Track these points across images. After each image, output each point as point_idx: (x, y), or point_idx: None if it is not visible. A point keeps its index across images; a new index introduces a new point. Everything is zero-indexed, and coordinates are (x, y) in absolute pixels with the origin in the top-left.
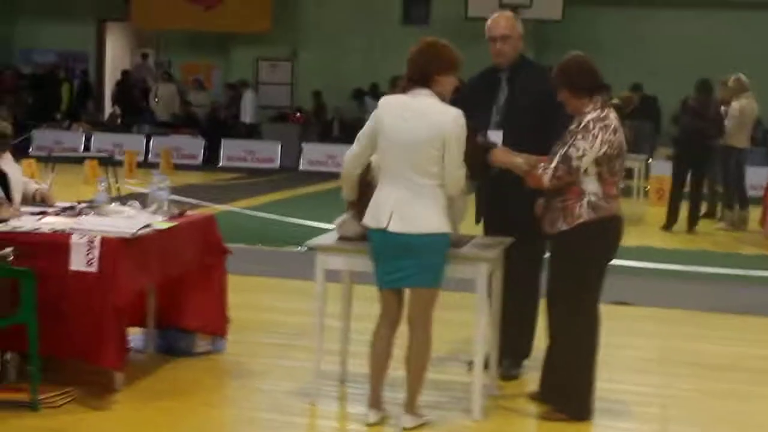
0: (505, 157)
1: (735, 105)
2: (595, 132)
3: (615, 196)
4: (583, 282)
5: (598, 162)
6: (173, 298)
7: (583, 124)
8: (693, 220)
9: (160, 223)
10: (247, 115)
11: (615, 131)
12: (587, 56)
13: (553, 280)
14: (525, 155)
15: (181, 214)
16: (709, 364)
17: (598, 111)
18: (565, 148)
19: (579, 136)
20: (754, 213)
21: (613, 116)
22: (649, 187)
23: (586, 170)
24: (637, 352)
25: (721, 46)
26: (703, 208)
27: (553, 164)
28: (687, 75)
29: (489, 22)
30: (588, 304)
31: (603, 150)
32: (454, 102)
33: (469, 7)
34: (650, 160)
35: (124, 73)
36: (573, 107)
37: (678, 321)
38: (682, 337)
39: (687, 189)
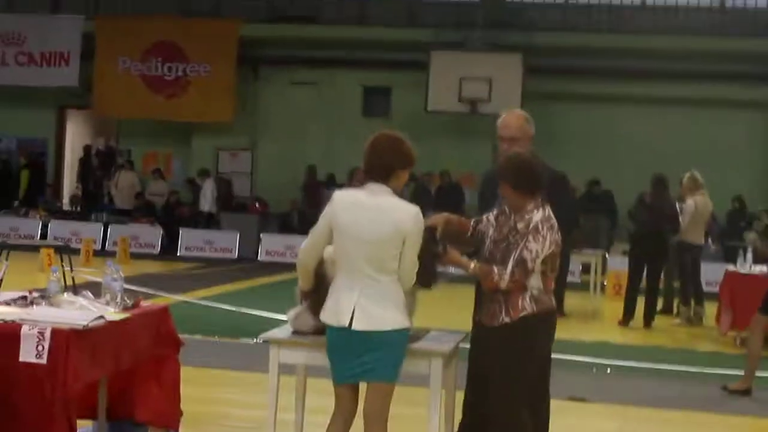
0: (458, 258)
1: (690, 202)
2: (544, 233)
3: (551, 290)
4: (522, 376)
5: (543, 261)
6: (125, 390)
7: (532, 225)
8: (649, 315)
9: (113, 314)
10: (206, 204)
11: (557, 231)
12: (532, 155)
13: (488, 375)
14: (476, 263)
15: (134, 305)
16: None
17: (542, 211)
18: (518, 251)
19: (530, 238)
20: (710, 309)
21: (552, 215)
22: (606, 281)
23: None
24: None
25: (676, 143)
26: (660, 303)
27: (509, 269)
28: (643, 170)
29: (499, 121)
30: (522, 400)
31: (551, 249)
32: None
33: (428, 101)
34: (607, 254)
35: (86, 147)
36: (513, 203)
37: (634, 418)
38: None
39: (643, 284)
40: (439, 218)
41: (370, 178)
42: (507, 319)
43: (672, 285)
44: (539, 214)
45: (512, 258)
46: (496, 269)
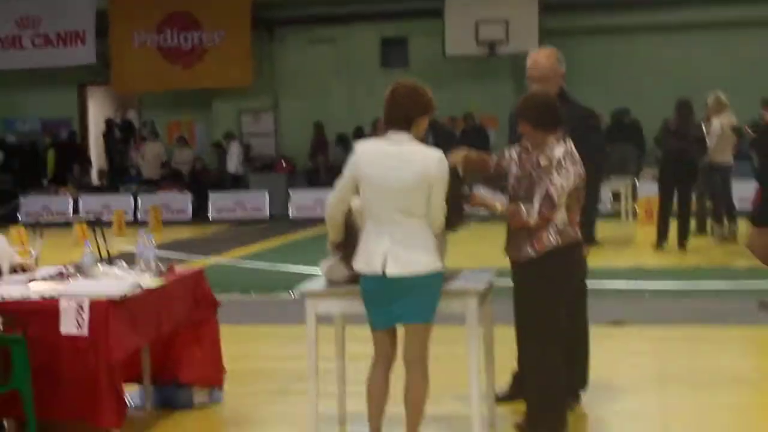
0: (485, 199)
1: (716, 123)
2: (567, 167)
3: (577, 222)
4: (551, 309)
5: (568, 194)
6: (168, 354)
7: (555, 159)
8: (683, 237)
9: (149, 281)
10: (233, 166)
11: (581, 164)
12: (549, 93)
13: (519, 308)
14: (503, 202)
15: (169, 271)
16: (708, 379)
17: (563, 145)
18: (544, 187)
19: (554, 172)
20: (743, 226)
21: (574, 149)
22: (637, 208)
23: None
24: (635, 371)
25: (700, 67)
26: (694, 225)
27: (536, 206)
28: (668, 97)
29: (528, 60)
30: (552, 331)
31: (575, 183)
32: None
33: (446, 47)
34: (637, 181)
35: (108, 122)
36: (534, 141)
37: (674, 338)
38: (679, 354)
39: (675, 208)
40: (458, 156)
41: (391, 128)
42: (533, 254)
43: (705, 206)
44: (561, 149)
45: (537, 194)
46: (523, 207)
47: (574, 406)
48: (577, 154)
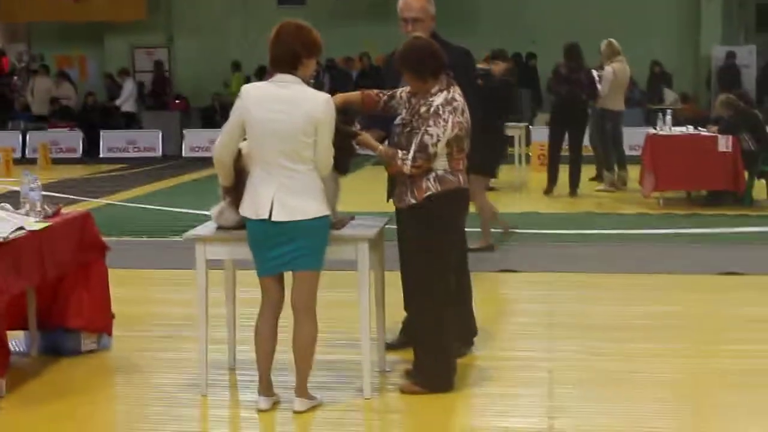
0: (369, 139)
1: (608, 68)
2: (446, 116)
3: (460, 170)
4: (434, 252)
5: (448, 143)
6: (54, 298)
7: (432, 109)
8: (574, 184)
9: (33, 224)
10: (128, 105)
11: (463, 112)
12: (430, 40)
13: (403, 254)
14: (385, 146)
15: (55, 213)
16: (595, 325)
17: (445, 93)
18: (419, 136)
19: (431, 122)
20: (634, 173)
21: (459, 96)
22: (531, 153)
23: None
24: (525, 317)
25: (593, 12)
26: (592, 171)
27: (411, 154)
28: (561, 41)
29: (401, 2)
30: (438, 276)
31: (454, 132)
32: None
33: None
34: (530, 127)
35: None
36: (418, 90)
37: (564, 285)
38: (569, 300)
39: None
40: (338, 97)
41: (278, 69)
42: (413, 200)
43: (599, 153)
44: (441, 98)
45: (414, 142)
46: (400, 153)
47: (465, 352)
48: (461, 103)
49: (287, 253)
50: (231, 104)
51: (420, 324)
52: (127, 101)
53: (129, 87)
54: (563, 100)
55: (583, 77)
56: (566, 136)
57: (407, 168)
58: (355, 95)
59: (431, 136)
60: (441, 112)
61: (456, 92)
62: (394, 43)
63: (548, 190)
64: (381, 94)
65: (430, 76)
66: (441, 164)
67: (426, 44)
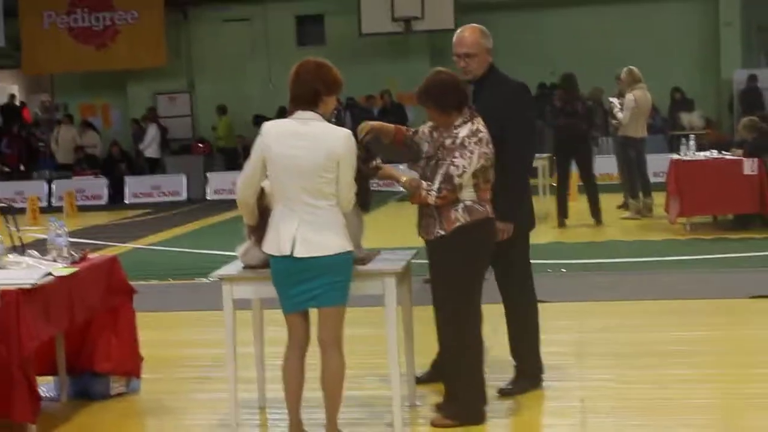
0: (391, 171)
1: (629, 96)
2: (471, 148)
3: (487, 200)
4: (463, 284)
5: (474, 174)
6: (83, 343)
7: (459, 141)
8: (595, 212)
9: (61, 269)
10: (152, 150)
11: (487, 143)
12: (452, 72)
13: (434, 286)
14: (410, 176)
15: (82, 259)
16: (626, 353)
17: (469, 124)
18: (445, 168)
19: (457, 154)
20: (659, 199)
21: (483, 128)
22: (555, 183)
23: None
24: (554, 347)
25: (613, 40)
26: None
27: (436, 185)
28: (583, 70)
29: (455, 37)
30: (468, 307)
31: (480, 163)
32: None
33: (362, 24)
34: (554, 157)
35: (9, 104)
36: (442, 123)
37: (592, 313)
38: (598, 329)
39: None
40: (366, 125)
41: (298, 107)
42: (441, 232)
43: (626, 181)
44: (466, 129)
45: (439, 174)
46: (425, 184)
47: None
48: (485, 134)
49: (311, 289)
50: (251, 145)
51: (450, 355)
52: (150, 146)
53: (152, 132)
54: (563, 132)
55: (579, 107)
56: (575, 165)
57: (432, 199)
58: (389, 126)
59: (457, 167)
60: (467, 144)
61: (480, 124)
62: (416, 79)
63: (560, 223)
64: (408, 130)
65: (454, 109)
66: (468, 195)
67: (448, 78)
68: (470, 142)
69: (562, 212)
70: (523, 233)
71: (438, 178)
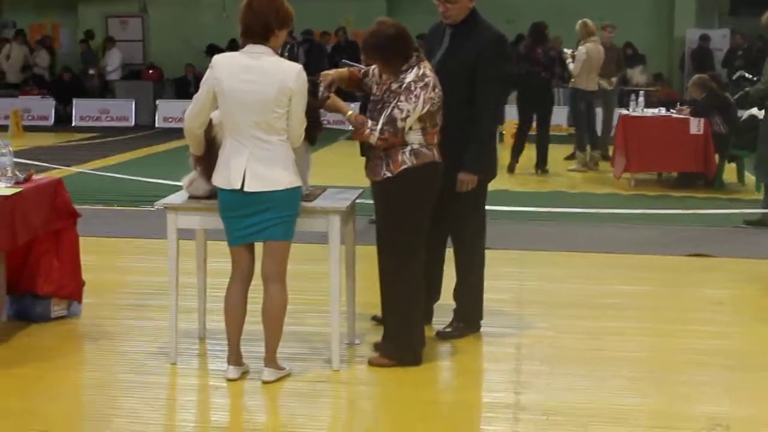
0: (337, 102)
1: (581, 48)
2: (417, 92)
3: (434, 144)
4: (409, 225)
5: (421, 118)
6: (24, 264)
7: (404, 85)
8: (541, 162)
9: (5, 189)
10: (114, 74)
11: (434, 87)
12: (395, 22)
13: (378, 227)
14: (355, 112)
15: (26, 179)
16: (563, 303)
17: (416, 69)
18: (389, 110)
19: (402, 98)
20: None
21: (430, 72)
22: (504, 131)
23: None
24: (494, 294)
25: None
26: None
27: (379, 125)
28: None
29: None
30: (411, 248)
31: (426, 108)
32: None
33: None
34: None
35: None
36: (388, 73)
37: (533, 263)
38: (538, 278)
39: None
40: (329, 75)
41: (249, 39)
42: (388, 174)
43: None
44: (412, 74)
45: (383, 116)
46: (369, 123)
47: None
48: (431, 78)
49: (259, 223)
50: (198, 76)
51: (390, 296)
52: (115, 71)
53: (117, 56)
54: (523, 79)
55: (540, 55)
56: (533, 114)
57: (374, 138)
58: (343, 72)
59: (401, 110)
60: (413, 88)
61: (426, 68)
62: (372, 17)
63: (510, 168)
64: (359, 71)
65: (399, 61)
66: (416, 138)
67: (392, 31)
68: (416, 87)
69: (516, 157)
70: (483, 182)
71: (381, 119)
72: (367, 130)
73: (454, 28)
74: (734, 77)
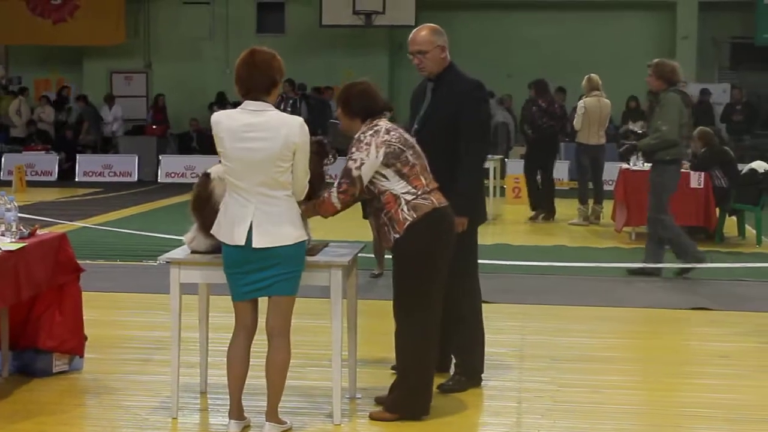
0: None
1: (580, 103)
2: (367, 140)
3: (429, 190)
4: (421, 279)
5: (388, 163)
6: (27, 319)
7: (356, 138)
8: (550, 205)
9: (9, 244)
10: (113, 129)
11: (388, 131)
12: (368, 83)
13: (395, 284)
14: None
15: (31, 234)
16: (564, 356)
17: (369, 125)
18: (345, 164)
19: (353, 149)
20: (608, 207)
21: (384, 123)
22: (505, 185)
23: (384, 175)
24: (495, 347)
25: (574, 47)
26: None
27: (336, 181)
28: (538, 75)
29: (410, 35)
30: (426, 302)
31: (381, 150)
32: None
33: (323, 15)
34: (506, 159)
35: None
36: (347, 128)
37: (535, 316)
38: (539, 332)
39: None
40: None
41: (250, 95)
42: (396, 235)
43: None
44: (364, 127)
45: (340, 174)
46: (325, 194)
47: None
48: (384, 126)
49: (266, 278)
50: (208, 131)
51: (402, 353)
52: (118, 126)
53: (119, 112)
54: (546, 134)
55: (558, 110)
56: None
57: (334, 198)
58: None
59: (354, 161)
60: (362, 138)
61: (381, 121)
62: (374, 73)
63: (535, 216)
64: None
65: (358, 116)
66: (401, 188)
67: (359, 86)
68: (365, 136)
69: (536, 205)
70: (473, 228)
71: (338, 177)
72: (326, 195)
73: (435, 82)
74: (621, 131)
